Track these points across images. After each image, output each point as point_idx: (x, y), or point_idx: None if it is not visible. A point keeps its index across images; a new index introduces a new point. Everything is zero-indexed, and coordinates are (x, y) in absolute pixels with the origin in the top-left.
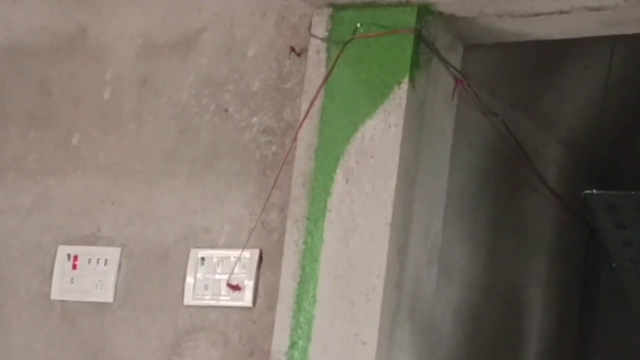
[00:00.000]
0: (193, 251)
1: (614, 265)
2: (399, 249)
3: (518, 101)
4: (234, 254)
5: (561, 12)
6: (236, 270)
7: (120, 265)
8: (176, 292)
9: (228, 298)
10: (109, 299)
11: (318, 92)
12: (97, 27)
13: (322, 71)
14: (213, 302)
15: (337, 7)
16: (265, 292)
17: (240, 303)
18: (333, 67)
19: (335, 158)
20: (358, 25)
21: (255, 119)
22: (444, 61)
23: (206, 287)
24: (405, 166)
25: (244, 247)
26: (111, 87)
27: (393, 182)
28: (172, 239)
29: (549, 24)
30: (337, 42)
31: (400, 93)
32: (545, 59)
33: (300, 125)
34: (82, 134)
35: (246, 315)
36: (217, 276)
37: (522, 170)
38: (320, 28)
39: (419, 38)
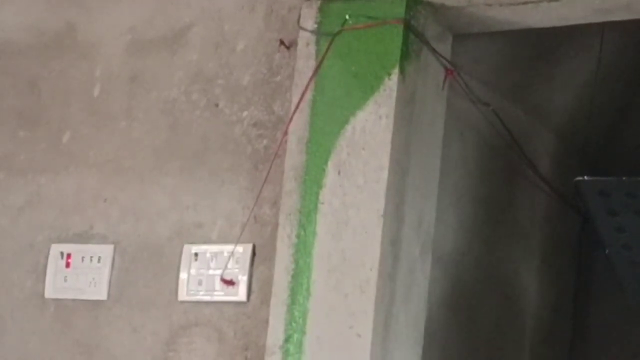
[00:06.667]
0: (186, 247)
1: (607, 251)
2: (392, 240)
3: (509, 90)
4: (227, 249)
5: (550, 0)
6: (230, 265)
7: (113, 263)
8: (170, 288)
9: (222, 293)
10: (103, 296)
11: (308, 84)
12: (86, 24)
13: (312, 64)
14: (207, 298)
15: None
16: (259, 286)
17: (235, 298)
18: (323, 59)
19: (327, 150)
20: (347, 16)
21: (245, 113)
22: (434, 51)
23: (200, 283)
24: (397, 157)
25: (237, 241)
26: (101, 84)
27: (385, 174)
28: (165, 235)
29: (538, 12)
30: (326, 34)
31: (391, 84)
32: (535, 48)
33: (291, 118)
34: (73, 132)
35: (241, 310)
36: (211, 271)
37: (514, 159)
38: (309, 20)
39: (408, 29)
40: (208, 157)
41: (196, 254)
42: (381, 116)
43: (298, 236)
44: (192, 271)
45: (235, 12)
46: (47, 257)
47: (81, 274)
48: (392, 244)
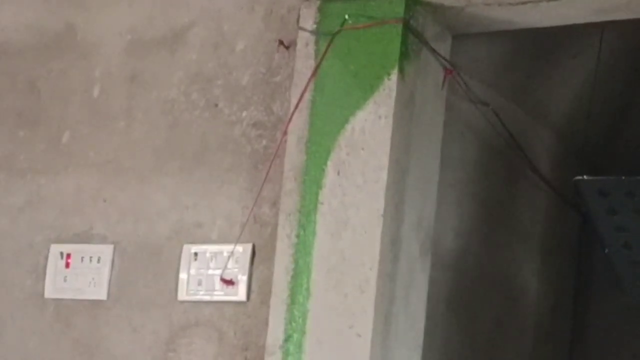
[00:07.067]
0: (186, 247)
1: (606, 251)
2: (392, 240)
3: (508, 90)
4: (226, 248)
5: (549, 0)
6: (229, 265)
7: (113, 263)
8: (170, 288)
9: (222, 293)
10: (103, 296)
11: (307, 84)
12: (85, 24)
13: (311, 64)
14: (207, 298)
15: None
16: (259, 286)
17: (235, 298)
18: (322, 59)
19: (326, 150)
20: (346, 16)
21: (245, 113)
22: (433, 51)
23: (200, 283)
24: (396, 157)
25: (236, 241)
26: (100, 84)
27: (384, 174)
28: (164, 235)
29: (537, 11)
30: (325, 34)
31: (390, 84)
32: (534, 47)
33: (290, 118)
34: (72, 132)
35: (240, 309)
36: (211, 271)
37: (513, 159)
38: (309, 20)
39: (408, 29)
40: (207, 157)
41: (196, 254)
42: (380, 116)
43: (298, 236)
44: (192, 271)
45: (235, 13)
46: (46, 257)
47: (81, 274)
48: (392, 244)
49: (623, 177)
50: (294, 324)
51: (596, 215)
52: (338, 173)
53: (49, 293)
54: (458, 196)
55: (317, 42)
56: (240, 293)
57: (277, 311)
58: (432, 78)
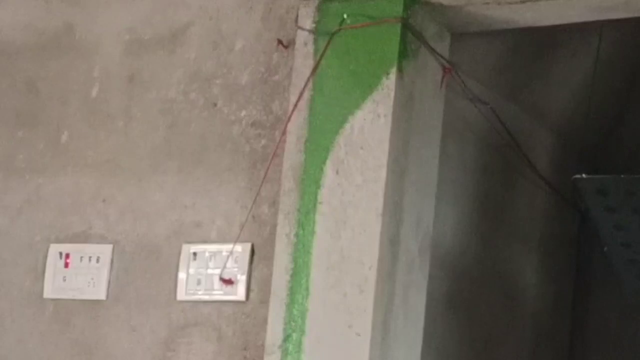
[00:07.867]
0: (185, 246)
1: (605, 249)
2: (391, 239)
3: (507, 89)
4: (226, 248)
5: None
6: (228, 265)
7: (112, 263)
8: (169, 287)
9: (221, 292)
10: (102, 296)
11: (306, 84)
12: (84, 24)
13: (310, 63)
14: (206, 297)
15: None
16: (258, 285)
17: (234, 297)
18: (321, 58)
19: (325, 150)
20: (345, 16)
21: (244, 113)
22: (432, 50)
23: (199, 282)
24: (395, 156)
25: (235, 241)
26: (99, 84)
27: (383, 173)
28: (163, 235)
29: (536, 10)
30: (324, 34)
31: (389, 83)
32: (533, 47)
33: (289, 117)
34: (71, 132)
35: (239, 309)
36: (210, 271)
37: (512, 158)
38: (308, 20)
39: (406, 28)
40: (206, 156)
41: (195, 254)
42: (379, 115)
43: (297, 235)
44: (191, 270)
45: (234, 12)
46: (45, 257)
47: (80, 273)
48: (391, 243)
49: (622, 176)
50: (293, 324)
51: (595, 214)
52: (337, 172)
53: (48, 293)
54: (457, 195)
55: (315, 42)
56: (239, 292)
57: (276, 310)
58: (430, 77)
